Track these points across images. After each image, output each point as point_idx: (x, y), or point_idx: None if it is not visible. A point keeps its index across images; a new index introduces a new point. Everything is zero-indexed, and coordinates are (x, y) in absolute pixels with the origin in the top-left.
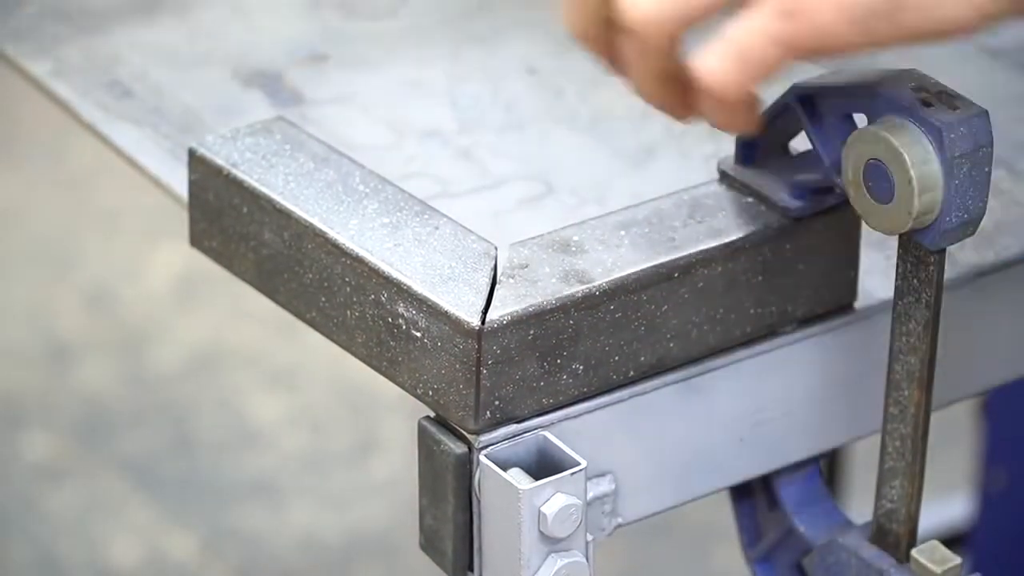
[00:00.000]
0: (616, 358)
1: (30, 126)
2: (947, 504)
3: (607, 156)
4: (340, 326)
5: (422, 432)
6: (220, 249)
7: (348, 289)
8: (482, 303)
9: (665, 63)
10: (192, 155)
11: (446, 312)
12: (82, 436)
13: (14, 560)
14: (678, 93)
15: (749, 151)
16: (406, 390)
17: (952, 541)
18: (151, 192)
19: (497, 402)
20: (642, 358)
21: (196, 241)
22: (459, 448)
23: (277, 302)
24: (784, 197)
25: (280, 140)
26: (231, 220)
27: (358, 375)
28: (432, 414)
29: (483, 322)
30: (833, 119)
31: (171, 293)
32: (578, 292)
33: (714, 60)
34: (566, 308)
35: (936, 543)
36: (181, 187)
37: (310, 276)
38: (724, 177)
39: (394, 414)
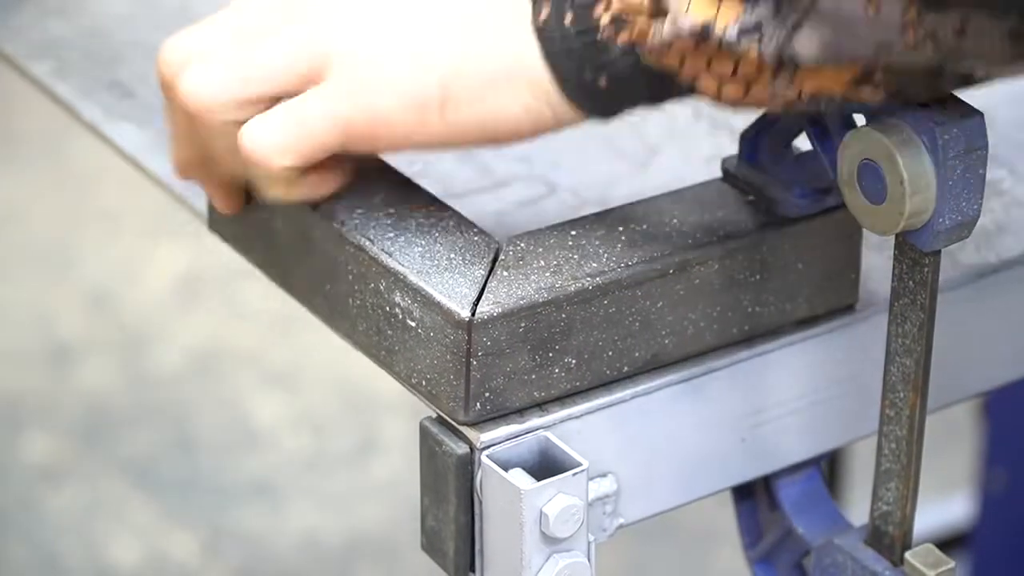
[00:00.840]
0: (609, 353)
1: (31, 126)
2: (947, 504)
3: (609, 157)
4: (343, 315)
5: (424, 433)
6: (237, 234)
7: (350, 277)
8: (474, 295)
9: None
10: None
11: (438, 303)
12: (82, 437)
13: (14, 560)
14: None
15: (753, 150)
16: (401, 380)
17: (952, 541)
18: (151, 192)
19: (488, 394)
20: (636, 354)
21: (214, 225)
22: (461, 449)
23: (288, 289)
24: (786, 196)
25: None
26: (247, 206)
27: (358, 375)
28: (434, 415)
29: (473, 314)
30: (833, 119)
31: (171, 293)
32: (570, 287)
33: (267, 129)
34: (558, 302)
35: (930, 546)
36: (182, 187)
37: (317, 264)
38: (727, 175)
39: (394, 414)
